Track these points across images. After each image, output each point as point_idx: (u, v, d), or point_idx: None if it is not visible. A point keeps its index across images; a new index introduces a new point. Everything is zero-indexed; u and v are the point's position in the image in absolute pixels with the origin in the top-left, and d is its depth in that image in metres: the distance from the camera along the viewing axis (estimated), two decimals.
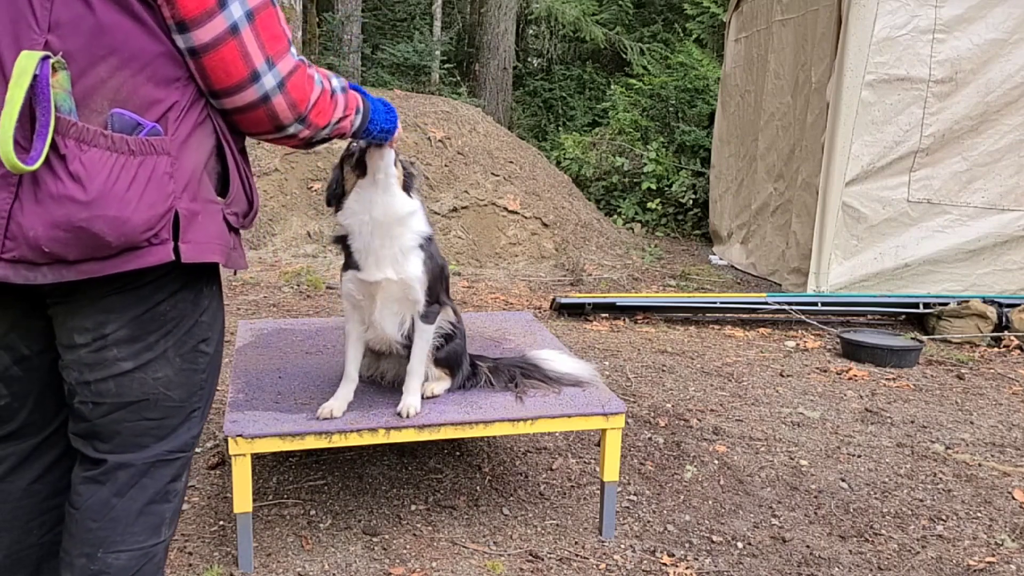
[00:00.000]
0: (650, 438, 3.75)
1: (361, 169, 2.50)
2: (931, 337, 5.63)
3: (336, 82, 1.82)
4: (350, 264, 2.64)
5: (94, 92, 1.50)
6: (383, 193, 2.52)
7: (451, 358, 2.88)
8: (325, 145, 8.27)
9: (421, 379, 2.75)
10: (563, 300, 5.91)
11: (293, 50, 1.68)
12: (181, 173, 1.56)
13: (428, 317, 2.70)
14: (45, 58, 1.41)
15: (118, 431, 1.68)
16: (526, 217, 7.87)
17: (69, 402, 1.69)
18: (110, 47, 1.50)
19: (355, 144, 2.49)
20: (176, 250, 1.57)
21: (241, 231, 1.79)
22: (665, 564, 2.75)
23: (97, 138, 1.47)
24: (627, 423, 3.74)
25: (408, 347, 2.74)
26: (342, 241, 2.66)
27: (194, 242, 1.59)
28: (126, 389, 1.65)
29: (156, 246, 1.54)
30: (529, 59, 16.40)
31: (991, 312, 5.58)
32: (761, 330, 5.84)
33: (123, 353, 1.63)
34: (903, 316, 6.09)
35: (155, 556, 1.75)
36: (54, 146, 1.43)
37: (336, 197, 2.63)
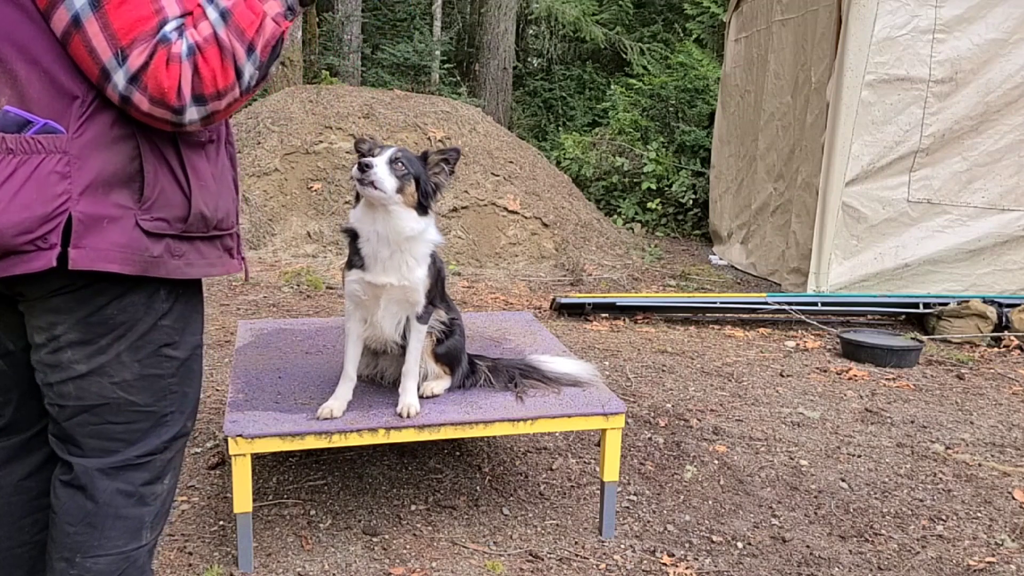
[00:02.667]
0: (650, 438, 3.75)
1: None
2: (931, 337, 5.63)
3: (214, 14, 1.47)
4: (355, 263, 2.64)
5: None
6: (384, 214, 2.52)
7: (451, 354, 2.88)
8: (324, 145, 8.20)
9: (417, 379, 2.75)
10: (563, 300, 5.91)
11: (168, 27, 1.42)
12: (84, 173, 1.45)
13: (423, 318, 2.72)
14: None
15: (85, 434, 1.64)
16: (526, 217, 7.86)
17: (45, 403, 1.67)
18: (1, 41, 1.43)
19: (354, 172, 2.43)
20: (65, 256, 1.45)
21: (202, 236, 1.64)
22: (665, 564, 2.75)
23: None
24: (627, 423, 3.73)
25: (403, 345, 2.75)
26: (352, 236, 2.63)
27: (89, 248, 1.47)
28: (85, 392, 1.61)
29: (44, 251, 1.44)
30: (529, 59, 16.40)
31: (991, 312, 5.58)
32: (761, 330, 5.84)
33: (76, 356, 1.58)
34: (903, 316, 6.09)
35: (137, 560, 1.72)
36: None
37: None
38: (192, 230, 1.61)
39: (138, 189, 1.53)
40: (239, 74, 1.49)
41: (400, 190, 2.47)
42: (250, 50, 1.49)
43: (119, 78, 1.42)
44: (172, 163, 1.57)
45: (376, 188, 2.43)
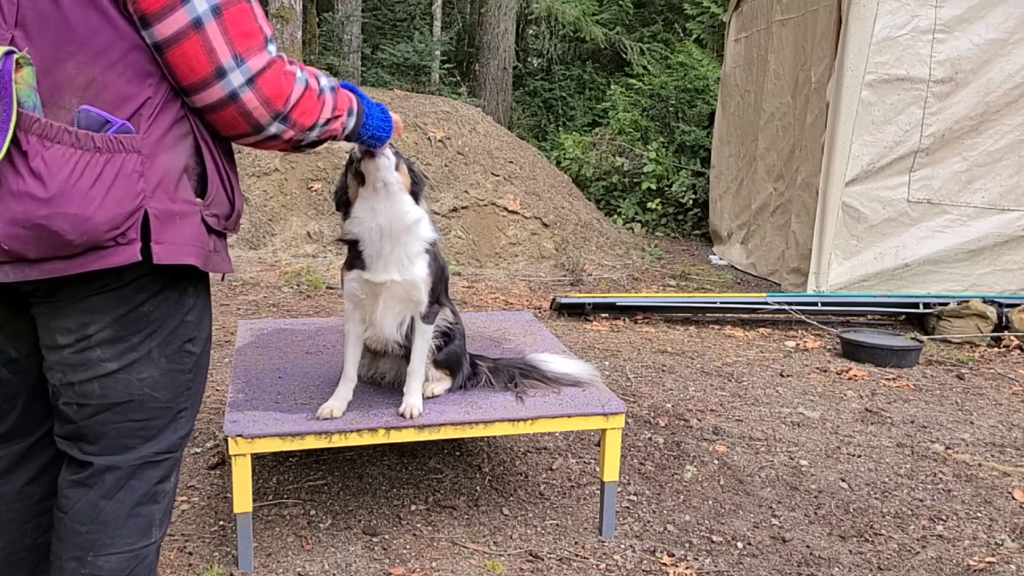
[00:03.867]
0: (650, 438, 3.75)
1: (361, 178, 2.49)
2: (931, 337, 5.63)
3: (325, 81, 1.76)
4: (355, 264, 2.63)
5: (62, 89, 1.48)
6: (386, 200, 2.50)
7: (451, 359, 2.88)
8: (324, 146, 8.26)
9: (422, 379, 2.75)
10: (563, 300, 5.91)
11: (271, 48, 1.62)
12: (153, 172, 1.53)
13: (428, 317, 2.71)
14: (8, 53, 1.39)
15: (104, 433, 1.66)
16: (526, 217, 7.87)
17: (54, 404, 1.67)
18: (78, 43, 1.47)
19: (355, 151, 2.45)
20: (148, 251, 1.54)
21: (227, 235, 1.75)
22: (665, 564, 2.75)
23: (61, 135, 1.44)
24: (627, 423, 3.73)
25: (405, 347, 2.75)
26: (351, 243, 2.63)
27: (168, 243, 1.56)
28: (111, 390, 1.63)
29: (123, 246, 1.51)
30: (529, 59, 16.40)
31: (991, 312, 5.58)
32: (761, 330, 5.84)
33: (107, 354, 1.61)
34: (903, 316, 6.09)
35: (146, 558, 1.73)
36: (16, 142, 1.40)
37: (343, 204, 2.61)
38: (229, 227, 1.72)
39: (196, 186, 1.63)
40: (313, 127, 1.73)
41: (398, 167, 2.48)
42: (327, 122, 1.77)
43: (236, 77, 1.57)
44: (219, 163, 1.67)
45: (378, 154, 2.37)
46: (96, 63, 1.49)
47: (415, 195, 2.57)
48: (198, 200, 1.62)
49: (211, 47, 1.53)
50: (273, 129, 1.65)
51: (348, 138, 1.93)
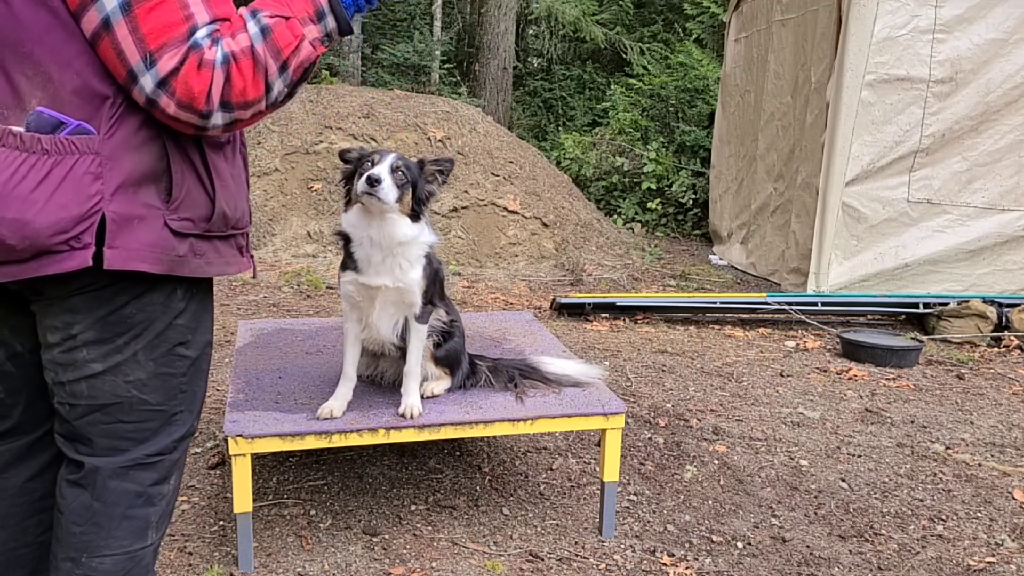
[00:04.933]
0: (650, 438, 3.75)
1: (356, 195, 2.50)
2: (931, 337, 5.63)
3: (254, 27, 1.50)
4: (349, 265, 2.64)
5: (22, 91, 1.46)
6: (380, 222, 2.53)
7: (450, 356, 2.89)
8: (324, 145, 8.21)
9: (419, 379, 2.76)
10: (563, 300, 5.91)
11: (199, 34, 1.45)
12: (114, 173, 1.48)
13: (423, 317, 2.72)
14: None
15: (95, 433, 1.65)
16: (526, 217, 7.87)
17: (52, 402, 1.67)
18: (31, 43, 1.45)
19: (360, 184, 2.43)
20: (100, 256, 1.48)
21: (224, 236, 1.67)
22: (665, 564, 2.75)
23: (6, 138, 1.41)
24: (627, 423, 3.73)
25: (401, 347, 2.75)
26: (345, 239, 2.65)
27: (122, 248, 1.49)
28: (98, 391, 1.61)
29: (77, 250, 1.46)
30: (529, 59, 16.39)
31: (991, 312, 5.58)
32: (761, 330, 5.84)
33: (92, 355, 1.59)
34: (903, 316, 6.09)
35: (142, 560, 1.72)
36: None
37: (346, 193, 2.62)
38: (214, 229, 1.64)
39: (165, 189, 1.56)
40: (268, 88, 1.53)
41: (399, 200, 2.49)
42: (283, 68, 1.53)
43: (147, 81, 1.45)
44: (196, 164, 1.60)
45: (380, 200, 2.44)
46: (51, 63, 1.46)
47: (416, 213, 2.57)
48: (160, 204, 1.55)
49: (120, 48, 1.44)
50: (218, 120, 1.50)
51: (342, 33, 1.62)
